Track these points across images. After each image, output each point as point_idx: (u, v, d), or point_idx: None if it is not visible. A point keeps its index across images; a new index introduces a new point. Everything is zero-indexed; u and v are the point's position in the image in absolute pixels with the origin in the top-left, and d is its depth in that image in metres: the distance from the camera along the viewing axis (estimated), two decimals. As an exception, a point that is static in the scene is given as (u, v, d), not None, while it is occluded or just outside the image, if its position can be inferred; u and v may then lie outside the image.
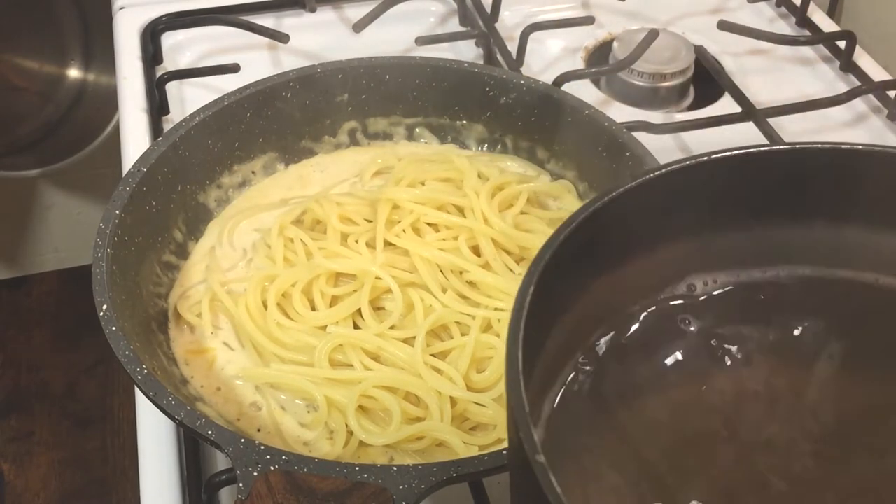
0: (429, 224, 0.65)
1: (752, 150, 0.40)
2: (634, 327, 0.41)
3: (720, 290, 0.43)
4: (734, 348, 0.41)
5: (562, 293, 0.38)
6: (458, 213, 0.65)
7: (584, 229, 0.37)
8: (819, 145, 0.40)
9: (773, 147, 0.41)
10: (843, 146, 0.40)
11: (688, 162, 0.39)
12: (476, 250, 0.63)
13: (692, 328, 0.42)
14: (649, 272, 0.42)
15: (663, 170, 0.39)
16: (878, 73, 0.88)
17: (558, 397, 0.39)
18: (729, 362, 0.41)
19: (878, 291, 0.42)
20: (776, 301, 0.43)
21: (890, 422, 0.40)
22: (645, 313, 0.42)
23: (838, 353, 0.41)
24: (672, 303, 0.42)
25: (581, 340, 0.40)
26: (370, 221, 0.65)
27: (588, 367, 0.40)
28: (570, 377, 0.40)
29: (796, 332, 0.42)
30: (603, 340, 0.41)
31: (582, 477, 0.37)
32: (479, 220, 0.64)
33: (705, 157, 0.40)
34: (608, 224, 0.38)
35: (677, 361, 0.41)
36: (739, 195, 0.41)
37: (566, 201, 0.69)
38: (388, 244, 0.64)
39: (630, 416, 0.40)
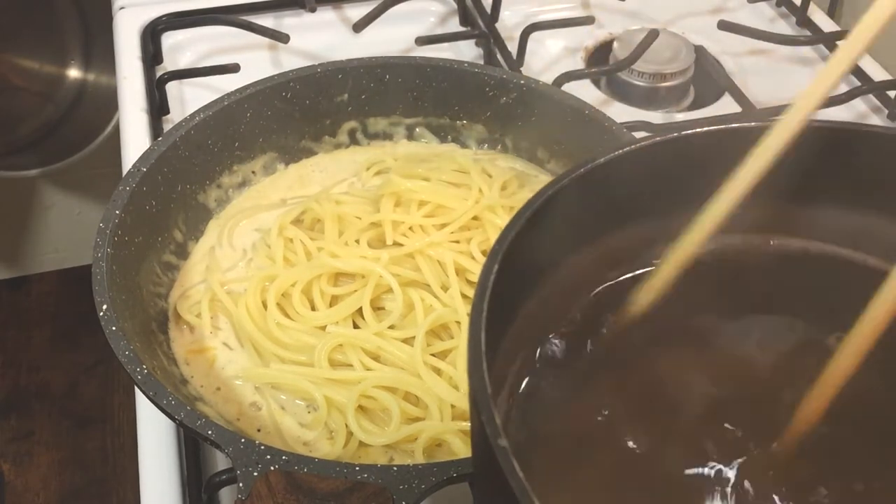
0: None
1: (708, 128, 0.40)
2: (602, 304, 0.41)
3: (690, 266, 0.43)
4: (706, 321, 0.41)
5: (529, 272, 0.38)
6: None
7: (552, 206, 0.37)
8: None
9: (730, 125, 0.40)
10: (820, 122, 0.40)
11: (657, 139, 0.39)
12: (486, 253, 0.63)
13: (663, 304, 0.41)
14: (619, 248, 0.41)
15: (630, 147, 0.39)
16: (878, 73, 0.88)
17: (524, 382, 0.39)
18: (701, 335, 0.41)
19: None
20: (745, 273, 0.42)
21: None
22: (610, 289, 0.42)
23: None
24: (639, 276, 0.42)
25: (549, 319, 0.40)
26: (374, 225, 0.65)
27: (555, 347, 0.40)
28: (536, 358, 0.39)
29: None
30: (571, 318, 0.41)
31: (547, 460, 0.37)
32: (489, 210, 0.64)
33: (674, 134, 0.39)
34: (576, 201, 0.38)
35: (648, 337, 0.41)
36: (705, 174, 0.41)
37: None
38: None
39: (600, 393, 0.39)
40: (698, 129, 0.40)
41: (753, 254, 0.43)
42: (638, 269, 0.42)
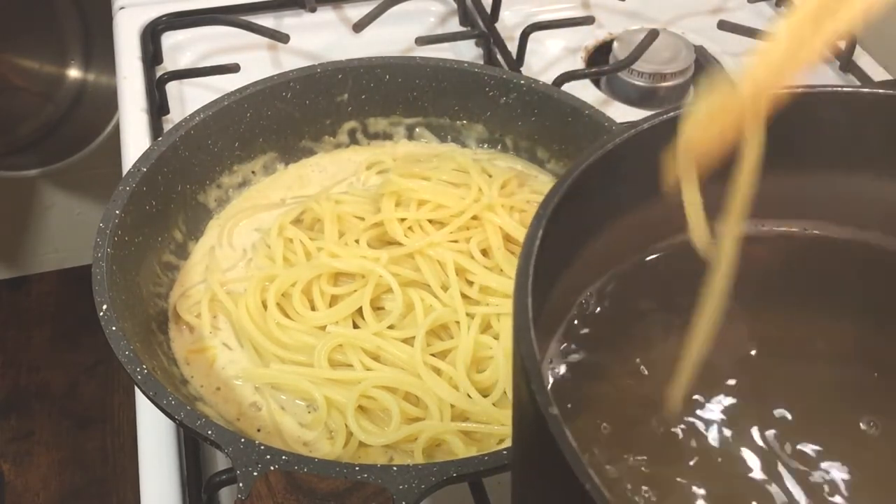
0: (430, 221, 0.65)
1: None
2: (641, 273, 0.40)
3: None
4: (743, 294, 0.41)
5: (571, 237, 0.37)
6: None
7: (595, 172, 0.36)
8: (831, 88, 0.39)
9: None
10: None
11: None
12: (485, 252, 0.63)
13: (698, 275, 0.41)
14: (660, 218, 0.41)
15: (679, 111, 0.38)
16: (878, 73, 0.88)
17: (564, 344, 0.38)
18: (736, 306, 0.41)
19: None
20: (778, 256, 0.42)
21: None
22: (653, 258, 0.41)
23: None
24: (678, 249, 0.41)
25: (587, 285, 0.40)
26: (377, 225, 0.65)
27: (594, 312, 0.39)
28: (574, 322, 0.39)
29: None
30: (610, 285, 0.40)
31: (589, 429, 0.36)
32: (488, 209, 0.64)
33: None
34: (617, 168, 0.37)
35: (684, 307, 0.40)
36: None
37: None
38: (389, 242, 0.64)
39: (635, 362, 0.39)
40: None
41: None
42: (678, 243, 0.42)
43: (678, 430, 0.38)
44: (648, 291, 0.41)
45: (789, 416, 0.38)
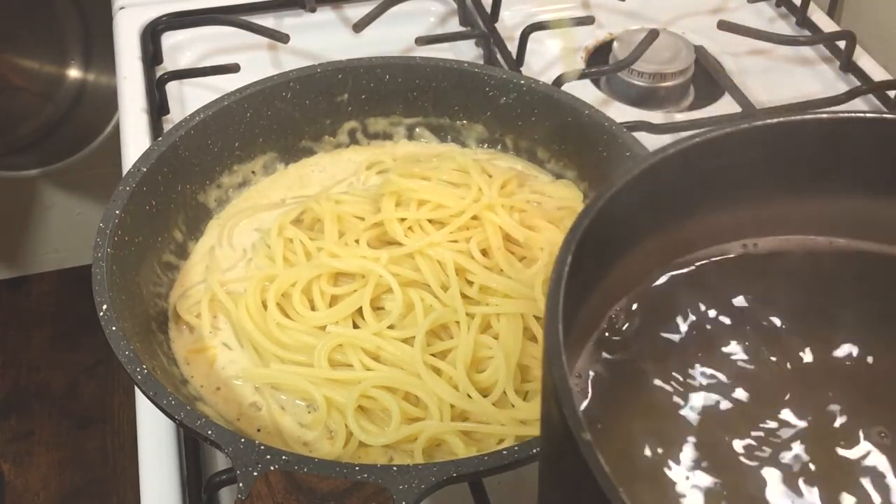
0: (430, 221, 0.65)
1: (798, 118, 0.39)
2: (664, 294, 0.41)
3: (761, 255, 0.42)
4: (770, 315, 0.41)
5: (599, 261, 0.37)
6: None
7: (621, 197, 0.36)
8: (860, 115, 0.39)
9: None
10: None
11: (742, 125, 0.38)
12: (485, 252, 0.63)
13: (727, 294, 0.41)
14: (687, 239, 0.41)
15: (706, 136, 0.38)
16: (878, 73, 0.88)
17: (593, 367, 0.38)
18: (765, 327, 0.41)
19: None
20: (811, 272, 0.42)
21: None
22: (677, 277, 0.41)
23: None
24: (706, 267, 0.42)
25: (611, 306, 0.40)
26: (377, 225, 0.65)
27: (619, 334, 0.39)
28: (601, 344, 0.39)
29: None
30: (634, 306, 0.40)
31: (618, 450, 0.37)
32: (488, 209, 0.64)
33: (746, 124, 0.38)
34: (646, 191, 0.37)
35: (708, 329, 0.40)
36: (802, 162, 0.40)
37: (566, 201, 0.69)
38: (389, 242, 0.64)
39: (662, 382, 0.39)
40: (775, 119, 0.39)
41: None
42: (705, 259, 0.42)
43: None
44: (675, 309, 0.41)
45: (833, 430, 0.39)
